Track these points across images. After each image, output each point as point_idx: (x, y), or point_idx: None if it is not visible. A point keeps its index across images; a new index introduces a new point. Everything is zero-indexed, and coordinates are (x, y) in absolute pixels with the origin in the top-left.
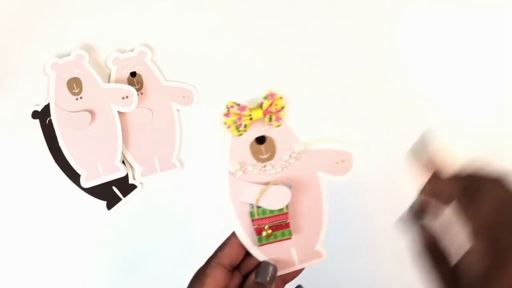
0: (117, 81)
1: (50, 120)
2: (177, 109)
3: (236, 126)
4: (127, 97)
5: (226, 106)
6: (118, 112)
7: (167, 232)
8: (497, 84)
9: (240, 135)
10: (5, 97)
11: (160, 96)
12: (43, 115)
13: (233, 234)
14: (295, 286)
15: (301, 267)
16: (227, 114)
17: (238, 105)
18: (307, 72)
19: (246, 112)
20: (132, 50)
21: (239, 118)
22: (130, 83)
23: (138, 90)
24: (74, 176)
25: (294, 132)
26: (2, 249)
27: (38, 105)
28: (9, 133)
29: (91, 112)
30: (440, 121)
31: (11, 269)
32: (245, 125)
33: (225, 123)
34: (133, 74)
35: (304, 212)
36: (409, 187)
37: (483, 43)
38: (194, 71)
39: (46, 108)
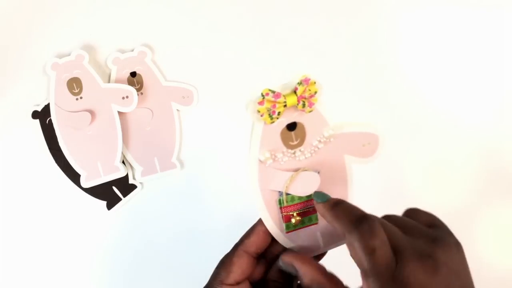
0: (117, 81)
1: (50, 120)
2: (177, 109)
3: (269, 114)
4: (127, 97)
5: (262, 94)
6: (118, 112)
7: (167, 232)
8: (498, 84)
9: (273, 122)
10: (5, 97)
11: (160, 96)
12: (43, 115)
13: (259, 222)
14: None
15: (326, 250)
16: (261, 102)
17: (273, 92)
18: (312, 68)
19: (281, 99)
20: (132, 50)
21: (273, 106)
22: (130, 83)
23: (138, 90)
24: (74, 176)
25: (325, 116)
26: (2, 249)
27: (38, 105)
28: (9, 133)
29: (91, 112)
30: (440, 122)
31: (11, 269)
32: (279, 112)
33: (258, 111)
34: (133, 74)
35: (330, 195)
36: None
37: (484, 43)
38: (194, 71)
39: (46, 108)
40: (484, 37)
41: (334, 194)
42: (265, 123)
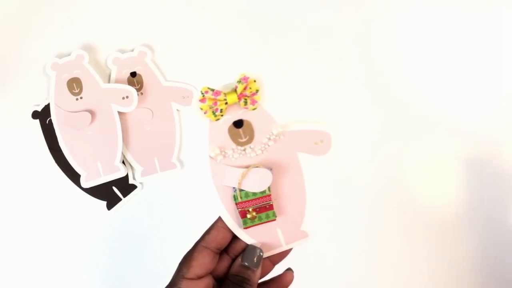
0: (117, 81)
1: (50, 120)
2: (177, 109)
3: (213, 111)
4: (127, 97)
5: (201, 91)
6: (118, 112)
7: (167, 232)
8: (497, 84)
9: (217, 119)
10: (5, 97)
11: (160, 96)
12: (43, 115)
13: (219, 218)
14: (285, 268)
15: (288, 248)
16: (202, 100)
17: (213, 90)
18: (314, 66)
19: (221, 97)
20: (132, 50)
21: (215, 103)
22: (130, 83)
23: (138, 90)
24: (74, 176)
25: (271, 114)
26: (2, 249)
27: (38, 105)
28: (9, 133)
29: (91, 112)
30: (439, 121)
31: (11, 269)
32: (221, 110)
33: (201, 109)
34: (133, 74)
35: (287, 193)
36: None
37: (483, 43)
38: (194, 71)
39: (46, 108)
40: (483, 36)
41: (291, 191)
42: (210, 120)
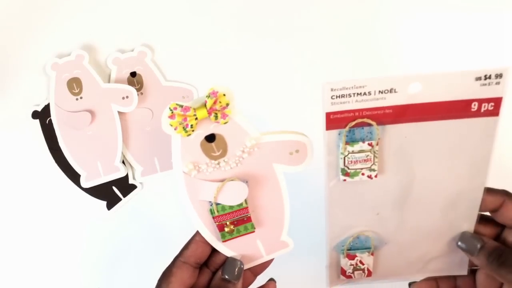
0: (117, 81)
1: (50, 120)
2: None
3: (183, 127)
4: (127, 97)
5: (170, 108)
6: (118, 112)
7: (167, 232)
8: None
9: (189, 135)
10: (5, 97)
11: (160, 96)
12: (43, 115)
13: (197, 232)
14: (268, 279)
15: (269, 259)
16: (171, 116)
17: (181, 106)
18: (314, 68)
19: (191, 113)
20: (132, 50)
21: (185, 119)
22: (130, 83)
23: (138, 90)
24: (74, 176)
25: (243, 127)
26: (2, 249)
27: (38, 105)
28: (9, 133)
29: (91, 112)
30: None
31: (11, 269)
32: (192, 125)
33: (171, 125)
34: (133, 74)
35: (265, 204)
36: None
37: (483, 44)
38: (194, 71)
39: (46, 108)
40: (483, 37)
41: (269, 202)
42: (181, 135)
